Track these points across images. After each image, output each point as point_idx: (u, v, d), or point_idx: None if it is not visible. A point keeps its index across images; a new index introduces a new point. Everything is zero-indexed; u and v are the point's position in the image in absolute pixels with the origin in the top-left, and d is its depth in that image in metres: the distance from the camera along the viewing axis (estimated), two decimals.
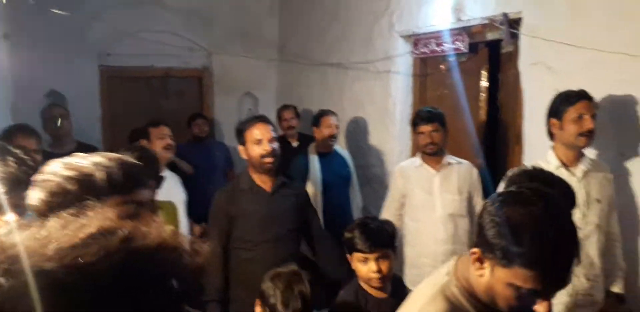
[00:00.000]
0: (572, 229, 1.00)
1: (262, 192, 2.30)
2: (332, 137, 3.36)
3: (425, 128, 2.63)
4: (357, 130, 3.93)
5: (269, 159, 2.25)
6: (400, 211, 2.72)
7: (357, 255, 1.74)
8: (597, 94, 2.27)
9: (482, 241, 1.02)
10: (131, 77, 4.66)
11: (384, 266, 1.72)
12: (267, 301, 1.64)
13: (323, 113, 3.44)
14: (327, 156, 3.39)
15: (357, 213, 3.50)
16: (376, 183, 3.79)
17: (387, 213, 2.74)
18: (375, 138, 3.81)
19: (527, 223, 0.96)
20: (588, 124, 2.04)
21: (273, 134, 2.29)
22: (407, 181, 2.69)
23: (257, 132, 2.25)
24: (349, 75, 3.98)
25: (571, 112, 2.06)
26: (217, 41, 4.78)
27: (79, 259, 0.48)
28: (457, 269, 1.13)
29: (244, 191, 2.30)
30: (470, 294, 1.08)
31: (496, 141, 3.18)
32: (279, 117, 3.94)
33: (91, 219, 0.55)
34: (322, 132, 3.36)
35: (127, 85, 4.67)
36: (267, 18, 4.97)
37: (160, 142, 2.84)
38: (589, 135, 2.06)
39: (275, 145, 2.29)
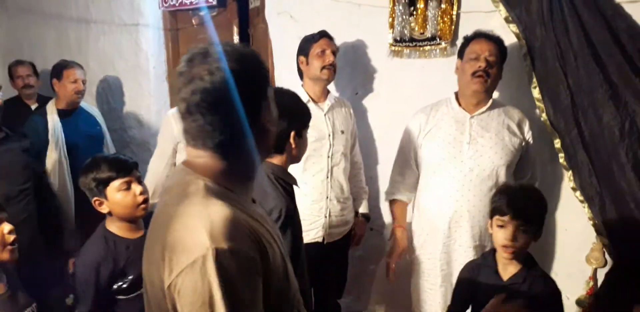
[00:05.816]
0: None
1: None
2: (79, 93, 2.95)
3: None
4: (108, 91, 3.60)
5: None
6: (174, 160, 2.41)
7: (115, 183, 1.60)
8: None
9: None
10: None
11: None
12: None
13: (67, 64, 2.97)
14: (71, 114, 2.97)
15: None
16: (136, 146, 3.56)
17: (158, 162, 2.41)
18: (128, 97, 3.55)
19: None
20: (329, 57, 2.26)
21: None
22: None
23: None
24: (92, 29, 3.59)
25: (315, 48, 2.27)
26: None
27: None
28: (196, 170, 0.98)
29: None
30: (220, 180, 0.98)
31: None
32: (11, 75, 3.35)
33: None
34: (66, 87, 2.92)
35: None
36: None
37: None
38: (331, 69, 2.28)
39: None
